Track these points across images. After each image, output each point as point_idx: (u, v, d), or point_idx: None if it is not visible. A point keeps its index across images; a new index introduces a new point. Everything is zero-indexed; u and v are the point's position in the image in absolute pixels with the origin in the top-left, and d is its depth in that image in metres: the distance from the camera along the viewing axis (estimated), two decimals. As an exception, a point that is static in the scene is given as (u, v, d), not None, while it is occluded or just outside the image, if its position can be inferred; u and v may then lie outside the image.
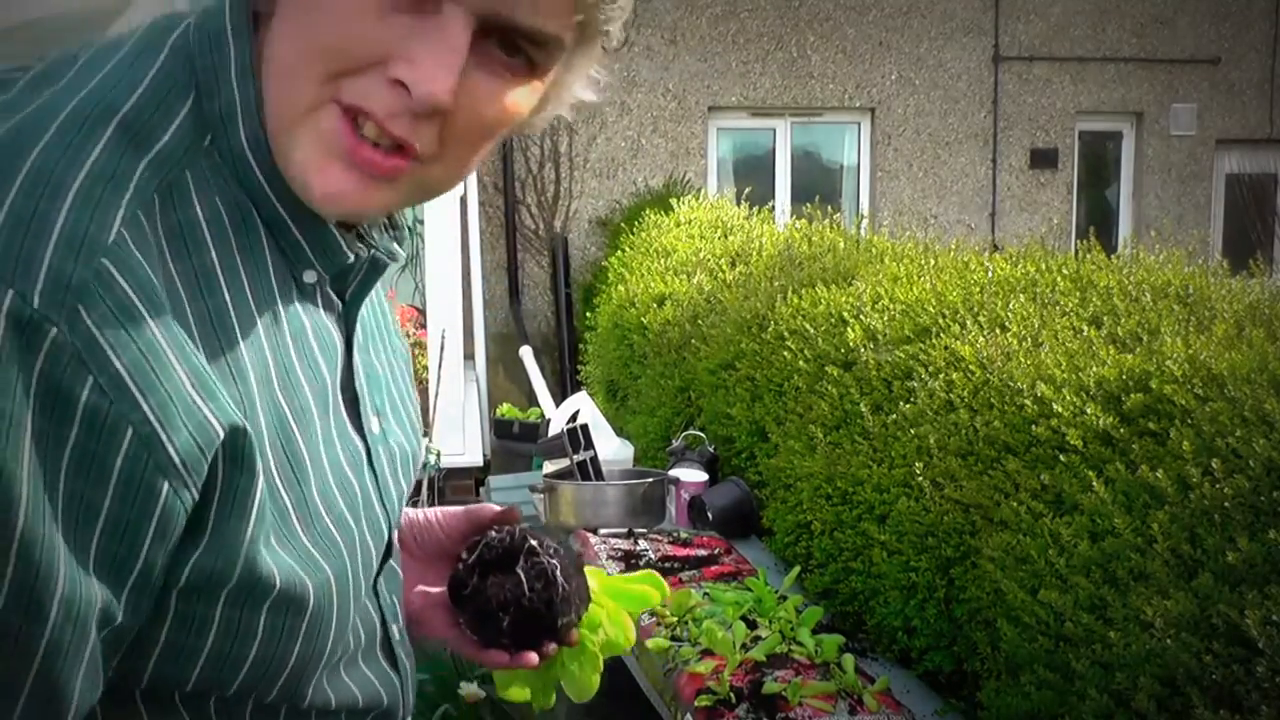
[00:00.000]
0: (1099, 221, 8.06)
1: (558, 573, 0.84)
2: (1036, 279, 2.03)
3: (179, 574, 0.59)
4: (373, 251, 0.70)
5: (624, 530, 2.43)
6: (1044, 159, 7.94)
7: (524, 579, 0.83)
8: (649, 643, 1.82)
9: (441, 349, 4.37)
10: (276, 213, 0.65)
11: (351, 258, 0.69)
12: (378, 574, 0.76)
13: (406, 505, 0.85)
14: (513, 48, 0.62)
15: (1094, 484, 1.36)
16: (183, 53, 0.65)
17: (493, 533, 0.85)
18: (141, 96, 0.61)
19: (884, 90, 7.72)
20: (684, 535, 2.45)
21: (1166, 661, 1.17)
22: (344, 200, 0.63)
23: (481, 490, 3.92)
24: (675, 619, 1.88)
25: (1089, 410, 1.45)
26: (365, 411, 0.73)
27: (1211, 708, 1.10)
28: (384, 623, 0.79)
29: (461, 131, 0.63)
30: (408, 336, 4.53)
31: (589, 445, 2.64)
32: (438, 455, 3.95)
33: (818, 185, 7.68)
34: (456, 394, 4.58)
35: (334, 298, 0.71)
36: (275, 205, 0.64)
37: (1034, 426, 1.52)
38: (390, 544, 0.78)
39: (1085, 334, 1.71)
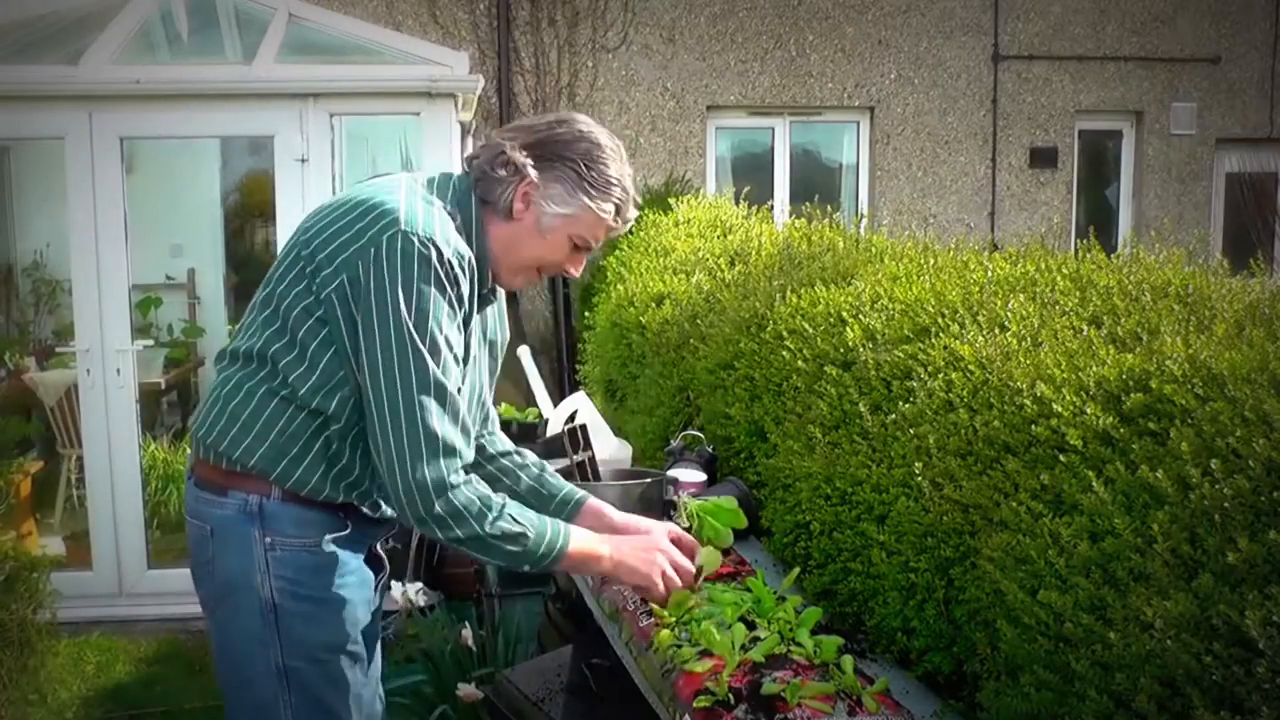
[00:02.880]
0: (1099, 221, 8.06)
1: None
2: (1036, 278, 2.03)
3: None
4: (495, 289, 1.89)
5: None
6: (1043, 158, 7.93)
7: None
8: (655, 634, 1.81)
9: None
10: (485, 273, 1.81)
11: (489, 288, 1.86)
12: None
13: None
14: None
15: (1094, 484, 1.35)
16: (457, 209, 1.79)
17: None
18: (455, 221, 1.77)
19: (883, 89, 7.72)
20: (683, 535, 2.44)
21: (1167, 662, 1.16)
22: (511, 288, 1.93)
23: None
24: (674, 619, 1.87)
25: (1089, 410, 1.44)
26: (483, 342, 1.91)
27: (1212, 709, 1.10)
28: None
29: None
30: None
31: (587, 445, 2.64)
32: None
33: (817, 184, 7.68)
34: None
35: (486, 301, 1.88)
36: (485, 272, 1.81)
37: (1034, 426, 1.52)
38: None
39: (1085, 334, 1.70)
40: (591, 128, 1.80)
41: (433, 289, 1.63)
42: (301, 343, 1.69)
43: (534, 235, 1.78)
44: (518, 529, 1.67)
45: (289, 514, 1.73)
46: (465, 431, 1.70)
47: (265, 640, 1.74)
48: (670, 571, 1.77)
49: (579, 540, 1.74)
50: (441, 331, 1.65)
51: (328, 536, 1.75)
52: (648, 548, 1.79)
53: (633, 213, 1.83)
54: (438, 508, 1.62)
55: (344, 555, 1.77)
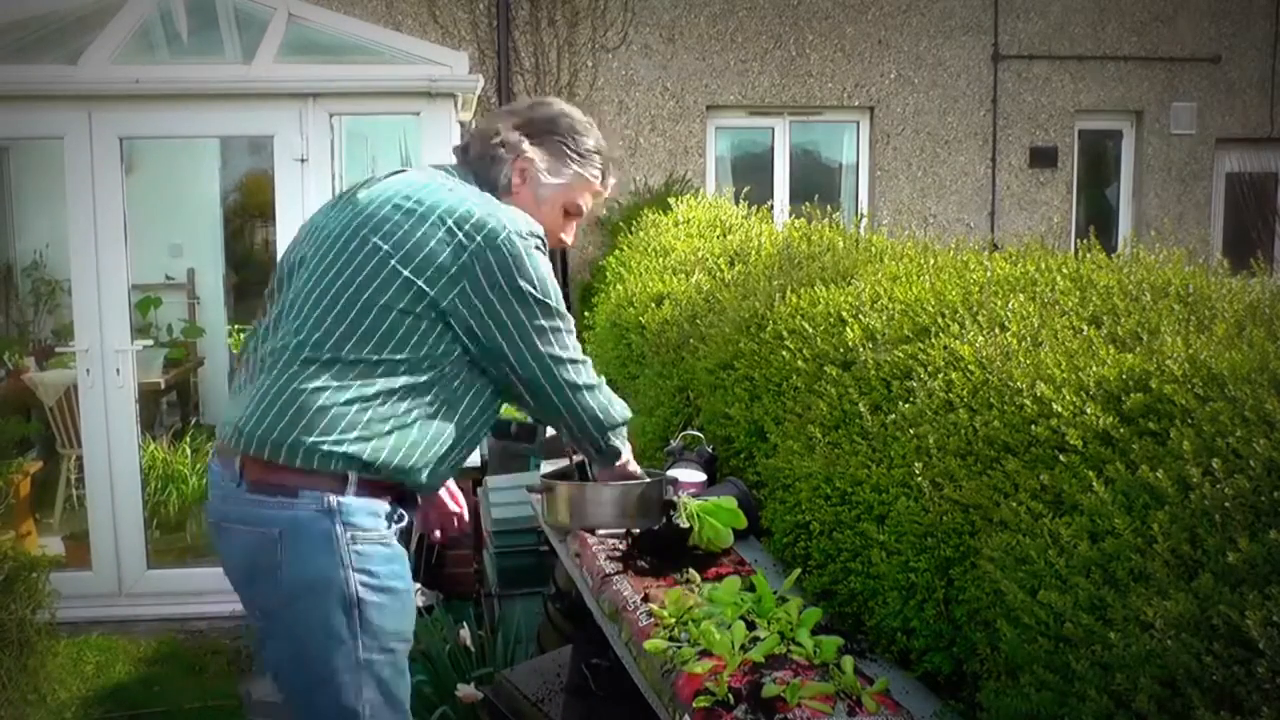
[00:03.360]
0: (1099, 220, 8.06)
1: None
2: (1036, 278, 2.03)
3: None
4: None
5: (621, 531, 2.42)
6: (1043, 158, 7.93)
7: None
8: (647, 644, 1.81)
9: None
10: None
11: None
12: None
13: None
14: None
15: (1094, 484, 1.35)
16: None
17: None
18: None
19: (883, 89, 7.72)
20: (682, 535, 2.43)
21: (1167, 662, 1.16)
22: None
23: (479, 490, 3.92)
24: (673, 620, 1.87)
25: (1089, 410, 1.44)
26: None
27: (1212, 709, 1.10)
28: None
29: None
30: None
31: (587, 445, 2.63)
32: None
33: (816, 184, 7.68)
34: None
35: None
36: None
37: (1033, 426, 1.52)
38: None
39: (1085, 333, 1.70)
40: (566, 106, 2.04)
41: (544, 266, 1.87)
42: (422, 337, 1.81)
43: (532, 206, 1.95)
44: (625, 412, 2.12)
45: (364, 507, 1.79)
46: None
47: (347, 636, 1.78)
48: None
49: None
50: (556, 296, 1.90)
51: (393, 527, 1.84)
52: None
53: (613, 179, 2.06)
54: (610, 434, 2.05)
55: (399, 545, 1.86)
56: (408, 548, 2.00)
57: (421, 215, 1.82)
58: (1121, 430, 1.40)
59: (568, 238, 2.06)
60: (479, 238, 1.80)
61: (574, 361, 1.94)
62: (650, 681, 1.79)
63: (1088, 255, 2.12)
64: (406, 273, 1.79)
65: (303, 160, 4.58)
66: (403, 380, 1.80)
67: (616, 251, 4.86)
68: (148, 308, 6.38)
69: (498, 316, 1.83)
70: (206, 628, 4.45)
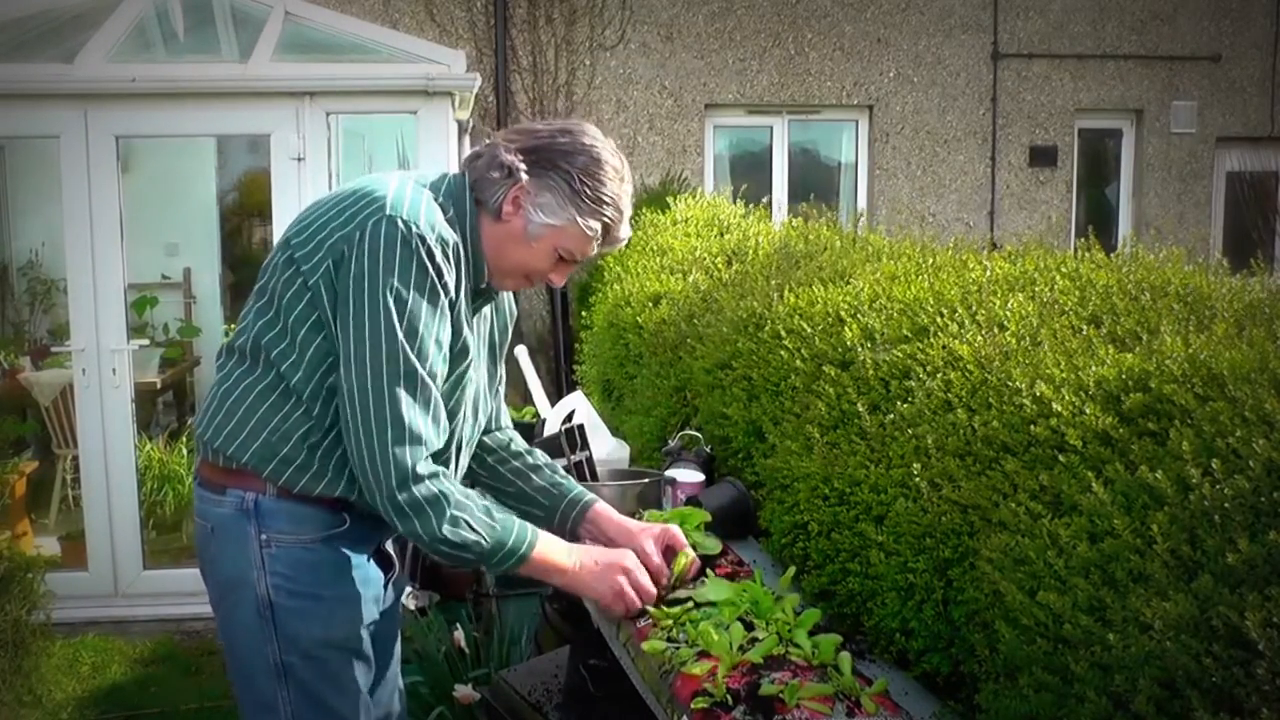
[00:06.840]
0: (1099, 219, 8.05)
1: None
2: (1035, 277, 2.02)
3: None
4: (490, 287, 1.84)
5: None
6: (1043, 157, 7.92)
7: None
8: (645, 645, 1.80)
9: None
10: (480, 269, 1.78)
11: (486, 285, 1.82)
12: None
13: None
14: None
15: (1093, 485, 1.34)
16: (450, 202, 1.76)
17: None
18: (447, 214, 1.74)
19: (882, 87, 7.71)
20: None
21: (1166, 664, 1.15)
22: (502, 290, 1.88)
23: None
24: (671, 620, 1.86)
25: (1088, 410, 1.44)
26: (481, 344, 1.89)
27: (1211, 710, 1.09)
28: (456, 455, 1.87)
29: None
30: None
31: (584, 445, 2.63)
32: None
33: (815, 183, 7.67)
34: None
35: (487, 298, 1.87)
36: (480, 268, 1.78)
37: (1032, 426, 1.51)
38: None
39: (1084, 333, 1.69)
40: (595, 141, 1.76)
41: (414, 272, 1.63)
42: (291, 330, 1.70)
43: (521, 241, 1.76)
44: (472, 537, 1.69)
45: (284, 510, 1.73)
46: (436, 420, 1.68)
47: (263, 637, 1.75)
48: (630, 593, 1.84)
49: (543, 549, 1.78)
50: (421, 317, 1.64)
51: (325, 533, 1.75)
52: (610, 566, 1.84)
53: (625, 233, 1.80)
54: (400, 497, 1.63)
55: (343, 552, 1.78)
56: (402, 554, 1.98)
57: (333, 198, 1.74)
58: (1121, 430, 1.39)
59: (557, 280, 1.84)
60: (361, 216, 1.65)
61: (410, 381, 1.63)
62: (648, 682, 1.79)
63: (1087, 254, 2.11)
64: (291, 242, 1.73)
65: (299, 159, 4.57)
66: (295, 386, 1.70)
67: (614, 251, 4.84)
68: (144, 307, 6.37)
69: (345, 301, 1.64)
70: (203, 628, 4.44)
